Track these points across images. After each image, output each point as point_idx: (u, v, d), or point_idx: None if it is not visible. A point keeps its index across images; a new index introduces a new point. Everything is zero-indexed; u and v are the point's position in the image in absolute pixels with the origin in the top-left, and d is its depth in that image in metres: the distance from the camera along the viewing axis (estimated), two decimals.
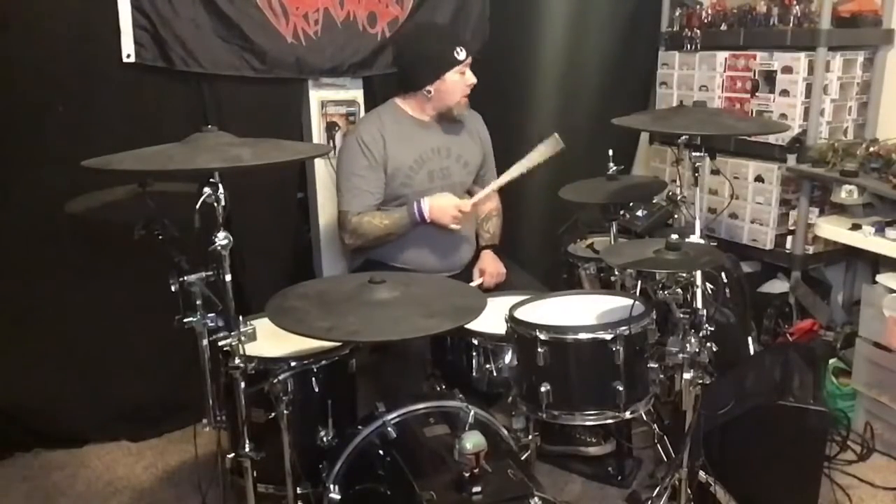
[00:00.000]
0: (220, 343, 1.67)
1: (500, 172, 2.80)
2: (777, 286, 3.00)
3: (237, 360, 1.67)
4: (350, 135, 2.59)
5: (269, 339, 1.80)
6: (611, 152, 2.58)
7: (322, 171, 2.88)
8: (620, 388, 1.86)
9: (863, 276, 2.97)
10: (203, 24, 2.51)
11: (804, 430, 2.05)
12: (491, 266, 2.64)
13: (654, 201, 2.67)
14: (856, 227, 2.64)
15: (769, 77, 2.83)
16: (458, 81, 2.47)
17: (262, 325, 1.67)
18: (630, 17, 3.26)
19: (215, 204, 1.54)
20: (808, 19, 2.76)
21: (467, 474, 1.49)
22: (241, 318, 1.65)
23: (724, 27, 3.04)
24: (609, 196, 2.54)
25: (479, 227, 2.72)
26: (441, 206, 2.43)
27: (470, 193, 2.68)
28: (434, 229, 2.49)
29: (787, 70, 2.76)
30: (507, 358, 2.06)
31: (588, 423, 2.16)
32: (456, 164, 2.59)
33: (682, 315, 1.84)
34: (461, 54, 2.44)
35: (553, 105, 3.19)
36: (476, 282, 2.57)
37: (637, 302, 1.91)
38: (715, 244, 2.21)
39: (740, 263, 2.82)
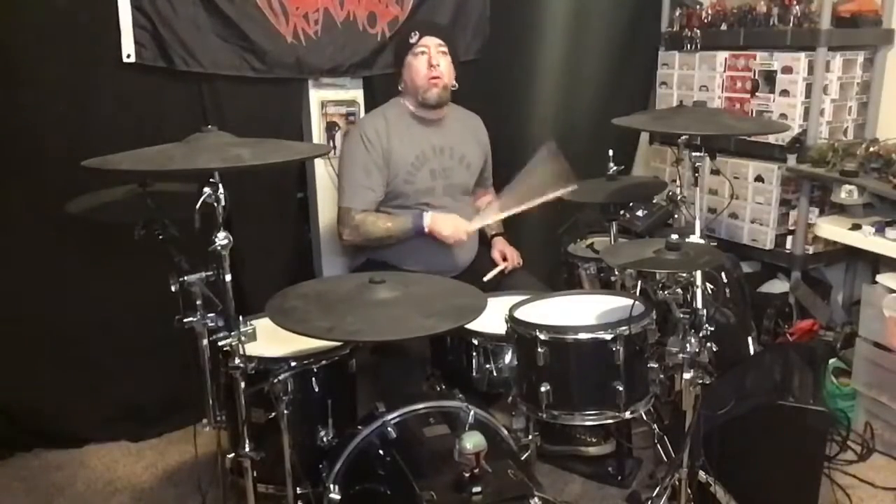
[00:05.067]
0: (220, 343, 1.66)
1: (496, 174, 2.82)
2: (777, 286, 3.00)
3: (237, 360, 1.66)
4: (353, 130, 2.64)
5: (269, 339, 1.80)
6: (611, 152, 2.59)
7: (322, 171, 2.88)
8: (620, 388, 1.86)
9: (863, 276, 2.97)
10: (203, 24, 2.51)
11: (804, 430, 2.05)
12: (509, 250, 2.71)
13: (654, 201, 2.67)
14: (856, 227, 2.64)
15: (769, 77, 2.83)
16: (415, 64, 2.51)
17: (262, 325, 1.67)
18: (630, 17, 3.26)
19: (215, 204, 1.54)
20: (808, 19, 2.77)
21: (467, 474, 1.49)
22: (241, 318, 1.65)
23: (724, 27, 3.04)
24: (609, 196, 2.53)
25: None
26: (445, 219, 2.47)
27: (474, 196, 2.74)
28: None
29: (787, 70, 2.76)
30: (507, 358, 2.06)
31: (588, 423, 2.16)
32: (459, 164, 2.61)
33: (682, 315, 1.84)
34: (413, 37, 2.51)
35: (553, 105, 3.19)
36: (499, 266, 2.62)
37: (637, 302, 1.91)
38: (715, 244, 2.21)
39: (740, 263, 2.82)
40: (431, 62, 2.49)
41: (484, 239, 2.76)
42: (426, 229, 2.46)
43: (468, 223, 2.49)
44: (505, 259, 2.67)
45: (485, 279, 2.52)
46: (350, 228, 2.50)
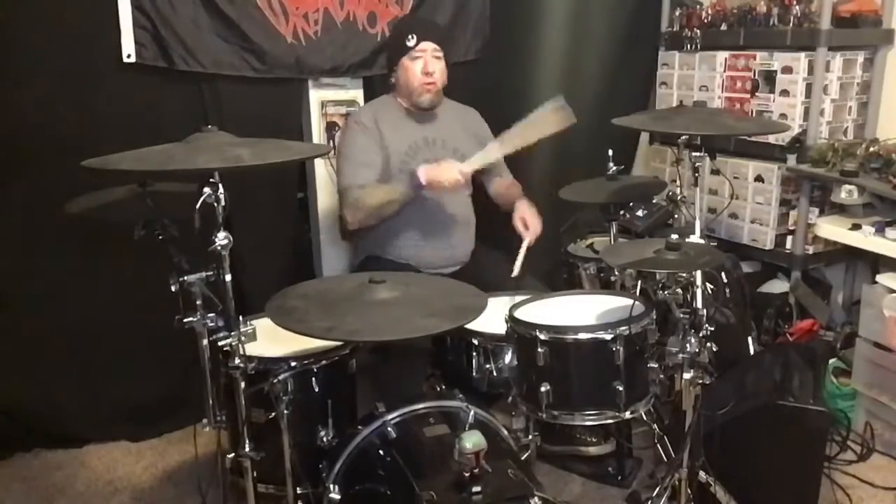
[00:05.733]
0: (220, 343, 1.66)
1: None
2: (777, 286, 3.00)
3: (237, 360, 1.66)
4: (347, 121, 2.68)
5: (269, 339, 1.80)
6: (610, 152, 2.59)
7: (322, 171, 2.88)
8: (620, 388, 1.86)
9: (863, 276, 2.97)
10: (203, 24, 2.51)
11: (804, 430, 2.05)
12: (530, 215, 2.56)
13: (654, 201, 2.68)
14: (856, 227, 2.64)
15: (769, 77, 2.83)
16: (410, 67, 2.50)
17: (262, 325, 1.67)
18: (630, 17, 3.26)
19: (215, 204, 1.54)
20: (808, 19, 2.77)
21: (467, 474, 1.49)
22: (241, 318, 1.65)
23: (724, 27, 3.04)
24: (609, 196, 2.54)
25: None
26: (440, 169, 2.39)
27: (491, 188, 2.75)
28: (433, 220, 2.53)
29: (787, 70, 2.76)
30: (507, 358, 2.06)
31: (588, 424, 2.16)
32: (453, 156, 2.59)
33: (682, 315, 1.84)
34: (411, 41, 2.49)
35: None
36: (523, 246, 2.48)
37: (637, 302, 1.91)
38: (715, 244, 2.21)
39: (740, 263, 2.82)
40: (427, 69, 2.49)
41: (480, 233, 2.73)
42: (423, 182, 2.37)
43: (462, 164, 2.41)
44: (526, 227, 2.55)
45: (514, 273, 2.40)
46: (351, 207, 2.46)
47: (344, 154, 2.53)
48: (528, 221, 2.56)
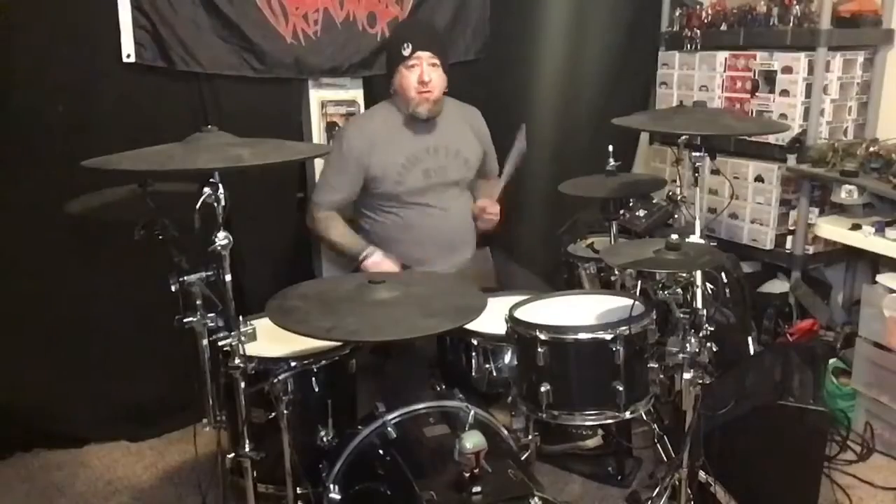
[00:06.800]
0: (220, 343, 1.67)
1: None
2: (777, 286, 3.00)
3: (237, 360, 1.66)
4: (343, 129, 2.67)
5: (269, 339, 1.80)
6: (611, 148, 2.58)
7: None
8: (620, 388, 1.86)
9: (863, 276, 2.97)
10: (203, 24, 2.51)
11: (804, 430, 2.05)
12: (490, 206, 2.65)
13: (654, 201, 2.68)
14: (856, 227, 2.64)
15: (769, 77, 2.83)
16: (407, 76, 2.49)
17: (262, 325, 1.67)
18: (630, 17, 3.26)
19: (215, 204, 1.54)
20: (808, 19, 2.77)
21: (467, 474, 1.49)
22: (241, 318, 1.65)
23: (724, 27, 3.04)
24: (608, 192, 2.54)
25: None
26: (381, 267, 2.46)
27: (472, 191, 2.74)
28: (436, 224, 2.56)
29: (787, 70, 2.76)
30: (507, 358, 2.06)
31: (588, 423, 2.16)
32: (455, 161, 2.59)
33: (682, 315, 1.84)
34: (407, 50, 2.48)
35: (553, 105, 3.19)
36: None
37: (637, 302, 1.91)
38: (715, 244, 2.21)
39: (740, 263, 2.83)
40: (423, 78, 2.47)
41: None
42: (361, 264, 2.49)
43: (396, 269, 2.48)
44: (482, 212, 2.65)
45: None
46: (312, 220, 2.59)
47: (325, 166, 2.56)
48: (486, 209, 2.64)
